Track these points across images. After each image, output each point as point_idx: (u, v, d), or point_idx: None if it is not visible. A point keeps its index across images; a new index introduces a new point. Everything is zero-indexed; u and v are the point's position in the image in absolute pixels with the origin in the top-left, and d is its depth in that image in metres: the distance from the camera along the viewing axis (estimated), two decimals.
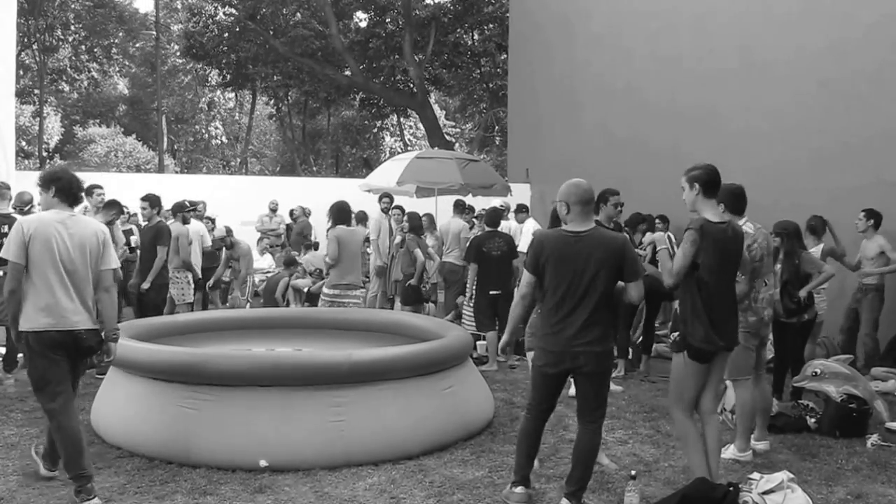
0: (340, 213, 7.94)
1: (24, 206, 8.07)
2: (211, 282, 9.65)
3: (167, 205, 10.87)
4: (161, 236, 7.78)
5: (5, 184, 7.22)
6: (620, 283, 4.00)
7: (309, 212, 13.25)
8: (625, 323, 7.84)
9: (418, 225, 9.19)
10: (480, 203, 11.45)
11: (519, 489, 4.13)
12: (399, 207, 10.23)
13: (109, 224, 7.56)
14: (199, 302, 9.56)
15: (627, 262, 3.94)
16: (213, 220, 10.73)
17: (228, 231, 9.76)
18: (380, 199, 10.43)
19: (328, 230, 8.30)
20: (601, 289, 3.90)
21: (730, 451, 5.02)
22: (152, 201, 7.97)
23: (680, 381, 4.19)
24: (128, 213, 10.38)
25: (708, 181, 4.14)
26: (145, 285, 7.64)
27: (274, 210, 13.18)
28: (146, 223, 8.03)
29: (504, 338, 4.33)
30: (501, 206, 10.37)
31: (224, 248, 9.75)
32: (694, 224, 4.07)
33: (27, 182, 11.19)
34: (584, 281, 3.89)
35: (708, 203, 4.15)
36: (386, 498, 4.25)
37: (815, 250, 6.96)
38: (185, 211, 9.35)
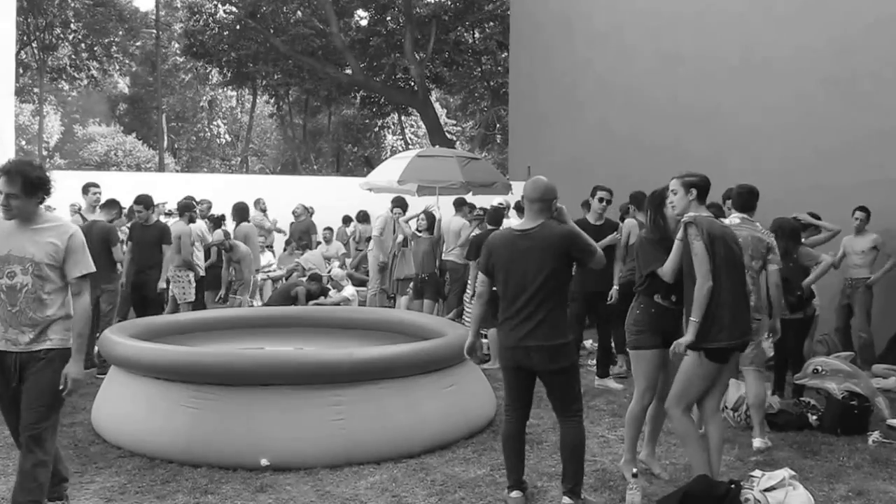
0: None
1: None
2: (223, 292, 9.70)
3: (172, 204, 10.90)
4: (165, 236, 7.94)
5: None
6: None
7: (312, 210, 13.26)
8: (622, 320, 7.83)
9: (434, 223, 9.22)
10: (481, 202, 11.44)
11: (515, 493, 4.12)
12: (400, 205, 10.21)
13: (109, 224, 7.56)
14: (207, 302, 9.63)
15: (574, 250, 3.94)
16: (221, 219, 10.65)
17: (226, 234, 9.79)
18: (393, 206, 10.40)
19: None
20: (550, 284, 3.91)
21: (758, 443, 5.10)
22: (146, 203, 8.02)
23: (689, 381, 4.15)
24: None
25: (704, 189, 4.21)
26: (162, 284, 7.94)
27: (264, 210, 13.10)
28: (143, 224, 8.03)
29: (468, 339, 4.28)
30: (501, 204, 10.35)
31: (223, 251, 9.77)
32: (688, 218, 4.08)
33: None
34: (532, 278, 3.91)
35: (700, 209, 4.21)
36: (388, 496, 4.25)
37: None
38: (191, 210, 9.38)
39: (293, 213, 13.08)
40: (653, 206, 4.55)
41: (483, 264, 4.13)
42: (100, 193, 8.08)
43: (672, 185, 4.28)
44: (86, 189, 8.11)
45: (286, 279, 11.33)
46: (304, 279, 10.85)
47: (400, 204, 10.37)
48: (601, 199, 6.71)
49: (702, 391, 4.19)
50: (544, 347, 3.91)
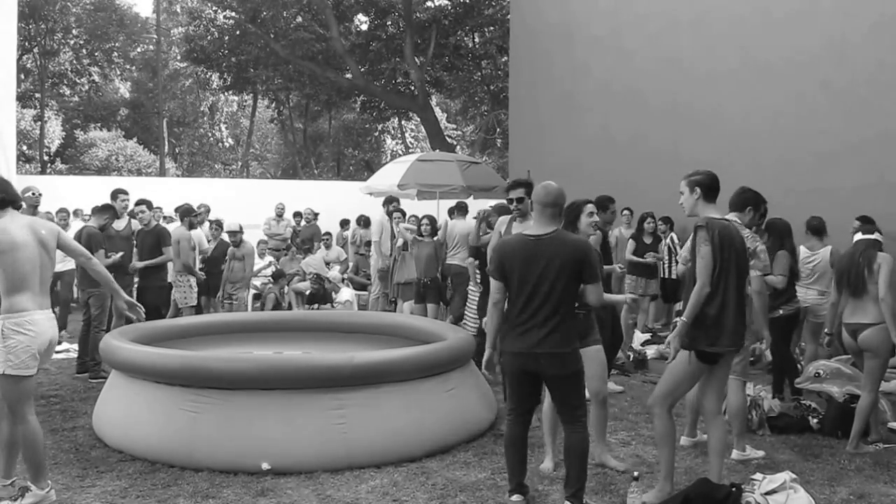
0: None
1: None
2: (221, 293, 9.71)
3: (170, 208, 10.95)
4: (164, 239, 7.98)
5: None
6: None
7: (317, 214, 13.33)
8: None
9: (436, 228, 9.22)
10: (477, 206, 11.44)
11: (516, 497, 4.13)
12: (400, 210, 10.22)
13: (103, 228, 7.55)
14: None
15: (586, 266, 3.91)
16: (220, 224, 10.70)
17: (239, 228, 9.80)
18: (387, 207, 10.37)
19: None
20: (562, 291, 3.89)
21: (734, 455, 4.99)
22: (149, 205, 8.12)
23: (677, 380, 4.18)
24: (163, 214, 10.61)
25: (709, 186, 4.17)
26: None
27: (280, 214, 13.19)
28: (143, 227, 8.07)
29: (486, 352, 4.17)
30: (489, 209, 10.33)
31: (231, 245, 9.80)
32: (701, 221, 4.07)
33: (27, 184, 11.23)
34: (544, 284, 3.88)
35: (708, 207, 4.18)
36: (388, 500, 4.25)
37: (824, 251, 6.90)
38: (192, 216, 9.40)
39: (304, 217, 13.12)
40: (567, 219, 4.61)
41: (497, 270, 4.04)
42: (128, 200, 8.28)
43: (681, 185, 4.23)
44: (114, 195, 8.22)
45: (289, 283, 11.36)
46: (292, 283, 10.98)
47: (392, 202, 10.36)
48: (590, 213, 6.44)
49: (686, 391, 4.25)
50: (556, 355, 3.90)
